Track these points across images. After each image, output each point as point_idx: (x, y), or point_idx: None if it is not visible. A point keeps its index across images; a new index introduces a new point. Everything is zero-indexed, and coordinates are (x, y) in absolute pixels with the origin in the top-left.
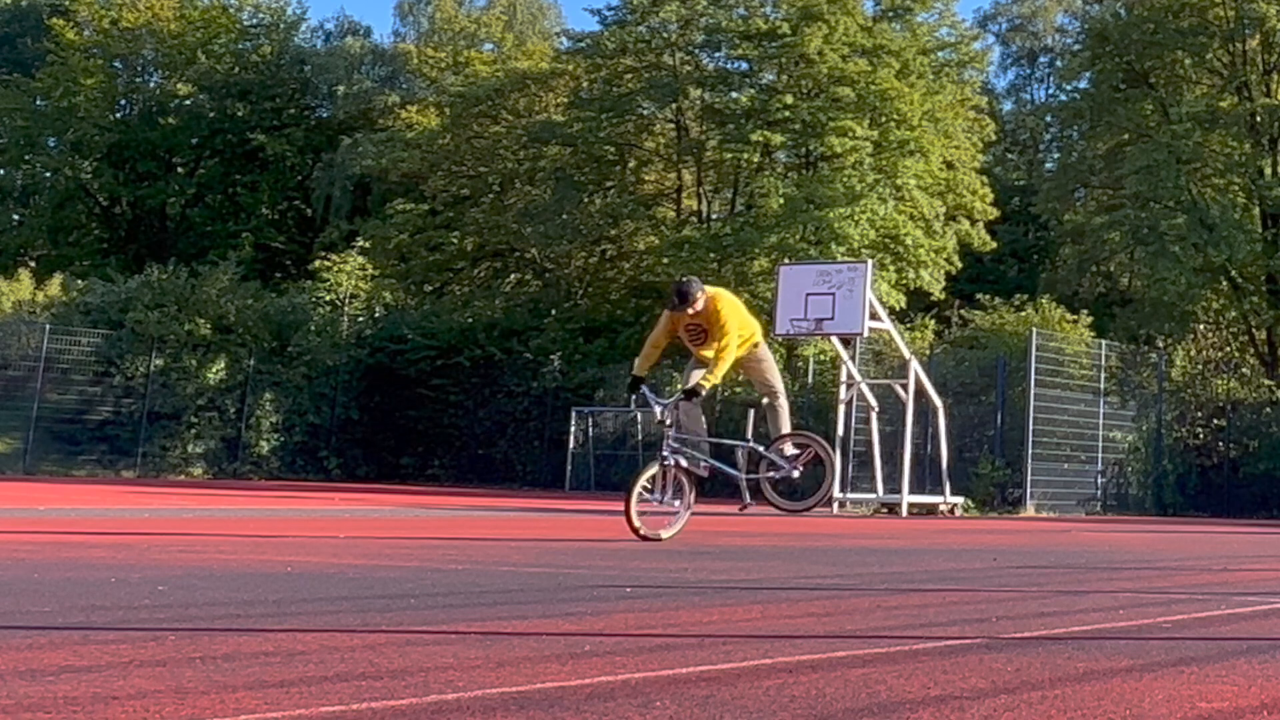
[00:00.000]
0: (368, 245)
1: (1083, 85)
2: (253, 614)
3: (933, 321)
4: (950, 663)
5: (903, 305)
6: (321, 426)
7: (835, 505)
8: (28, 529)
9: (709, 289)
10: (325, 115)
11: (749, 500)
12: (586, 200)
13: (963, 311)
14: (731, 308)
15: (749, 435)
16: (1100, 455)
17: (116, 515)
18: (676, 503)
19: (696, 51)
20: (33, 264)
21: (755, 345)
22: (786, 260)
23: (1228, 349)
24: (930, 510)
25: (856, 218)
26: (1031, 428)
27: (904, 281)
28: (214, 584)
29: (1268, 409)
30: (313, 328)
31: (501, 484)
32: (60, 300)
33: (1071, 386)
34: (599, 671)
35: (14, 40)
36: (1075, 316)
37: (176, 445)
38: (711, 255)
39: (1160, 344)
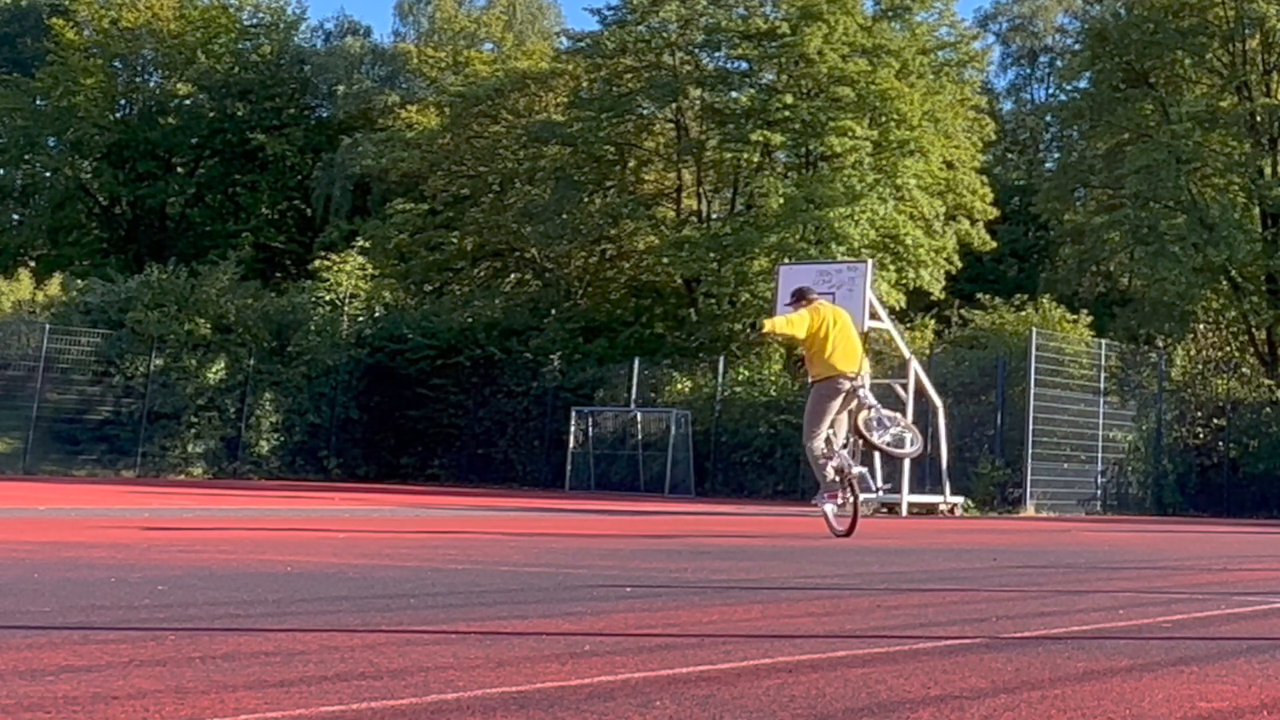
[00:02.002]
0: (368, 245)
1: (1083, 85)
2: (253, 614)
3: (933, 321)
4: (950, 662)
5: (903, 305)
6: (321, 426)
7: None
8: (28, 529)
9: (824, 303)
10: (325, 115)
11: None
12: (586, 200)
13: (963, 311)
14: (801, 318)
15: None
16: (1100, 455)
17: (116, 515)
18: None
19: (696, 51)
20: (32, 264)
21: (813, 381)
22: (786, 260)
23: (1227, 349)
24: (930, 510)
25: (856, 217)
26: (1031, 427)
27: (904, 281)
28: (214, 584)
29: (1267, 409)
30: (313, 327)
31: (501, 483)
32: (60, 300)
33: (1071, 386)
34: (599, 671)
35: (14, 40)
36: (1075, 316)
37: (176, 445)
38: (711, 255)
39: (1160, 344)
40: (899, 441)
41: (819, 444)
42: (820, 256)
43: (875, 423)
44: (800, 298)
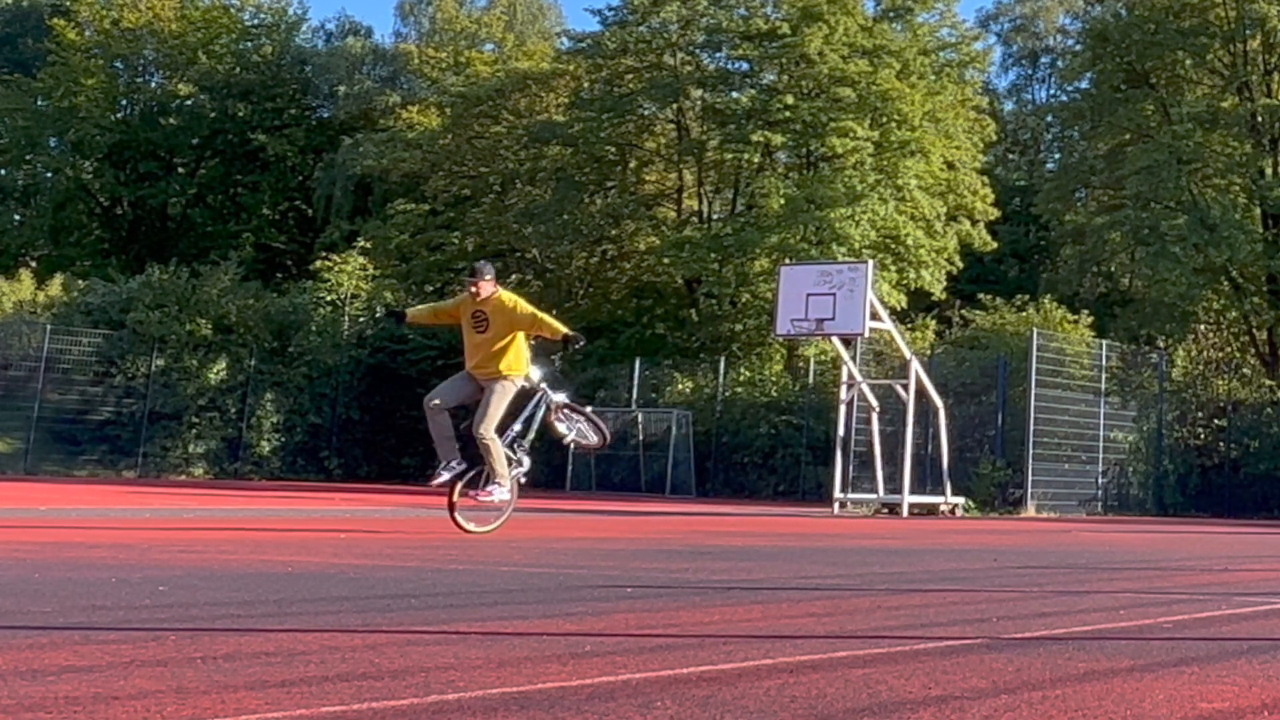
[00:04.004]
0: (368, 245)
1: (1083, 85)
2: (254, 614)
3: (933, 322)
4: (951, 663)
5: (903, 305)
6: (322, 426)
7: (836, 505)
8: (28, 529)
9: (503, 289)
10: (326, 115)
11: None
12: (587, 200)
13: (963, 312)
14: (526, 306)
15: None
16: (1101, 455)
17: (117, 515)
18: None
19: (697, 52)
20: (34, 264)
21: (510, 374)
22: (787, 260)
23: (1228, 349)
24: (931, 510)
25: (857, 218)
26: (1032, 428)
27: (905, 282)
28: (215, 584)
29: (1268, 409)
30: (314, 328)
31: None
32: (61, 300)
33: (1072, 387)
34: (600, 672)
35: (15, 40)
36: (1076, 317)
37: (177, 445)
38: (712, 255)
39: (1161, 344)
40: (582, 435)
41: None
42: (821, 257)
43: (564, 415)
44: (481, 276)
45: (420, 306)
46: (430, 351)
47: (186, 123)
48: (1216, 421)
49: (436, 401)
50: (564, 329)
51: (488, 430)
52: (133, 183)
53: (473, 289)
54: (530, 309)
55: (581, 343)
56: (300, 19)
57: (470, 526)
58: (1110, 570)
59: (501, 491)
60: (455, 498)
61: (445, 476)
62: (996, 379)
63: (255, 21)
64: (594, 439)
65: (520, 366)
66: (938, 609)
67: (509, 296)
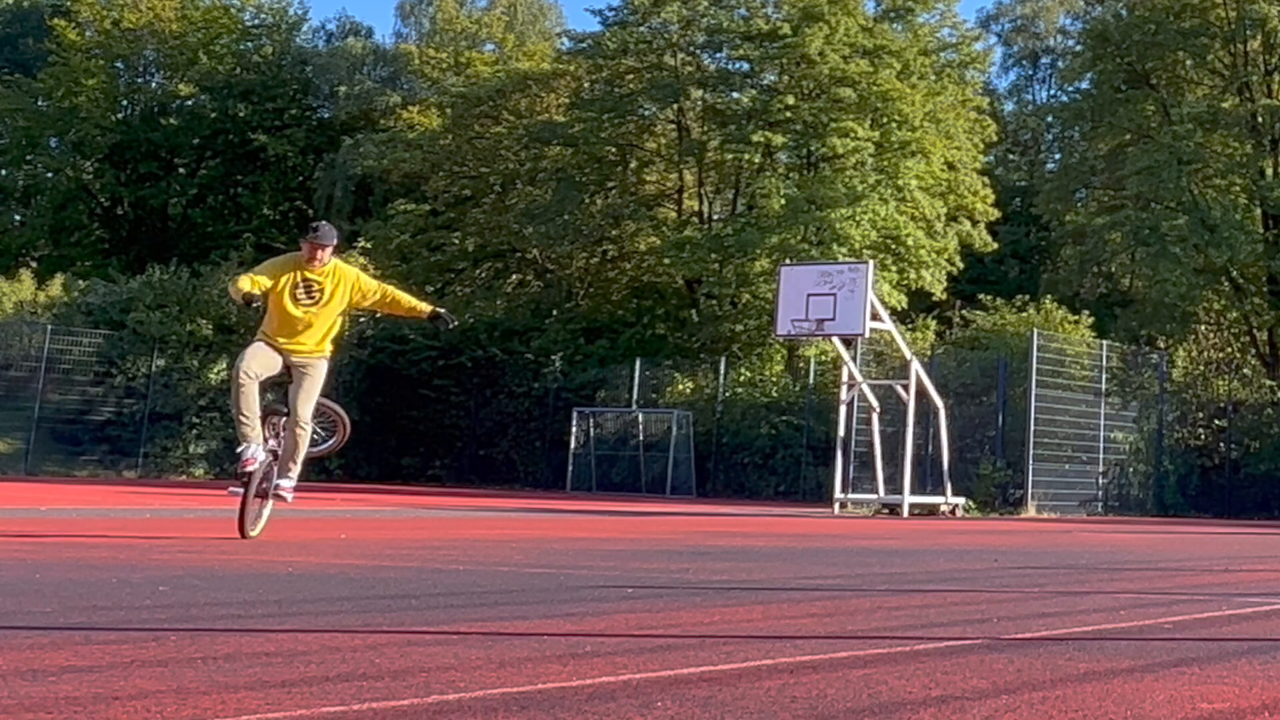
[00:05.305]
0: (369, 246)
1: (1084, 86)
2: (254, 614)
3: (934, 322)
4: (951, 663)
5: (904, 306)
6: None
7: (837, 506)
8: (29, 529)
9: (339, 260)
10: (327, 116)
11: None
12: (588, 201)
13: (964, 312)
14: (371, 280)
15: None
16: (1101, 456)
17: (118, 516)
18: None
19: (698, 52)
20: (34, 264)
21: (327, 355)
22: (788, 261)
23: (1229, 350)
24: (932, 511)
25: (858, 218)
26: (1033, 428)
27: (905, 282)
28: (215, 584)
29: (1269, 410)
30: None
31: (502, 484)
32: (62, 301)
33: (1073, 387)
34: (600, 672)
35: (15, 41)
36: (1076, 317)
37: (178, 445)
38: (713, 256)
39: (1161, 345)
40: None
41: None
42: (821, 257)
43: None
44: (328, 239)
45: (243, 279)
46: (431, 352)
47: (187, 123)
48: (1217, 422)
49: (254, 372)
50: (428, 306)
51: (308, 413)
52: (133, 183)
53: (317, 253)
54: (378, 283)
55: (454, 323)
56: (301, 19)
57: (249, 529)
58: (1110, 571)
59: (293, 486)
60: (255, 490)
61: (261, 459)
62: (997, 379)
63: (256, 22)
64: (327, 443)
65: (330, 345)
66: (938, 609)
67: (349, 268)
